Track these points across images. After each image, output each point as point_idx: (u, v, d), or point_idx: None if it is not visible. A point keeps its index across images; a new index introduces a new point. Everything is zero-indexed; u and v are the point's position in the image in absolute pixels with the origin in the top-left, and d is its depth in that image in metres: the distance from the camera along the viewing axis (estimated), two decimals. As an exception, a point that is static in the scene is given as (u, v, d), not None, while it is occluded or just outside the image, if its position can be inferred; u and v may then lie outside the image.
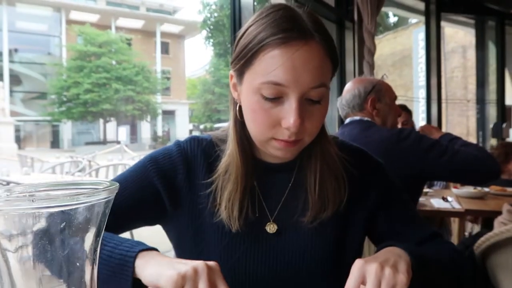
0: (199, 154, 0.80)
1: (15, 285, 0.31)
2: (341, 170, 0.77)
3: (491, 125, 5.92)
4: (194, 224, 0.79)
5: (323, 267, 0.78)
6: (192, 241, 0.80)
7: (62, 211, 0.30)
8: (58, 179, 3.37)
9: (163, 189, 0.78)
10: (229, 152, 0.75)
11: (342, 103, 1.70)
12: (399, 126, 2.57)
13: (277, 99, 0.66)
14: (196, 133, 35.27)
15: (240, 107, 0.73)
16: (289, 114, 0.65)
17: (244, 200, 0.75)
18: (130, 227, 0.84)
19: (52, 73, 27.01)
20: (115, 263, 0.63)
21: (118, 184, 0.34)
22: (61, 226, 0.31)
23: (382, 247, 0.70)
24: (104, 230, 0.56)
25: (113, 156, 8.19)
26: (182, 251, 0.83)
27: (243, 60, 0.67)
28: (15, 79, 27.53)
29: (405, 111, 2.72)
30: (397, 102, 1.79)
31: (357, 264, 0.61)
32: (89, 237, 0.32)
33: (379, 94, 1.66)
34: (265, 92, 0.65)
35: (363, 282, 0.59)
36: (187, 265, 0.58)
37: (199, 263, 0.58)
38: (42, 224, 0.31)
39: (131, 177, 0.79)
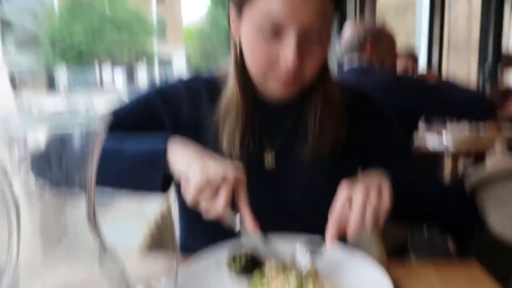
0: (203, 92, 0.81)
1: (19, 204, 0.32)
2: (342, 111, 0.78)
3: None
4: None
5: (320, 202, 0.78)
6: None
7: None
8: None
9: (169, 122, 0.79)
10: (230, 90, 0.76)
11: (341, 45, 1.70)
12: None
13: (276, 37, 0.65)
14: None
15: (240, 45, 0.72)
16: (288, 53, 0.64)
17: (244, 137, 0.76)
18: None
19: (44, 20, 26.21)
20: (144, 153, 0.67)
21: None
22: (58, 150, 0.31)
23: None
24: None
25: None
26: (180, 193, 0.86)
27: None
28: (7, 27, 26.68)
29: (412, 57, 2.69)
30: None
31: (344, 186, 0.63)
32: (85, 161, 0.33)
33: (379, 38, 1.66)
34: (264, 29, 0.64)
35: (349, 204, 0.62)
36: (217, 169, 0.61)
37: (230, 170, 0.62)
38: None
39: (136, 106, 0.81)
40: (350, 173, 0.83)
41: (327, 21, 0.66)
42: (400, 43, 1.78)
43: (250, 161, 0.76)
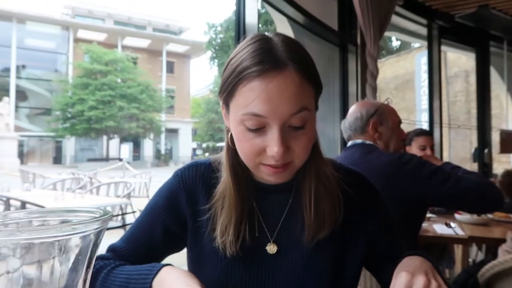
0: (197, 180, 0.82)
1: None
2: (336, 190, 0.78)
3: (494, 151, 5.94)
4: (195, 249, 0.82)
5: (322, 286, 0.78)
6: (195, 264, 0.83)
7: (52, 242, 0.30)
8: (54, 206, 3.35)
9: (173, 224, 0.82)
10: (223, 179, 0.77)
11: (345, 126, 1.69)
12: (429, 151, 2.57)
13: (260, 129, 0.67)
14: (199, 151, 35.40)
15: (231, 134, 0.74)
16: (272, 143, 0.66)
17: (240, 226, 0.76)
18: (162, 257, 0.88)
19: (58, 90, 27.36)
20: (137, 273, 0.70)
21: (111, 213, 0.33)
22: (51, 256, 0.30)
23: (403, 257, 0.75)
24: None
25: (115, 174, 8.19)
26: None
27: (226, 93, 0.69)
28: (21, 95, 27.86)
29: (431, 135, 2.71)
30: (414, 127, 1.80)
31: (403, 277, 0.63)
32: (80, 268, 0.31)
33: (382, 118, 1.65)
34: (247, 123, 0.67)
35: None
36: None
37: None
38: (33, 252, 0.30)
39: (144, 222, 0.85)
40: (355, 255, 0.83)
41: (307, 106, 0.67)
42: (403, 119, 1.78)
43: (248, 246, 0.77)
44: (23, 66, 28.33)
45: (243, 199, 0.76)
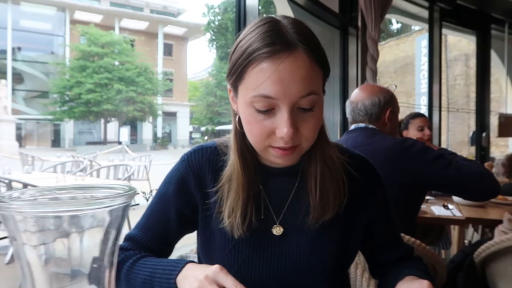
0: (204, 164, 0.83)
1: (34, 279, 0.33)
2: (341, 173, 0.80)
3: (492, 135, 5.97)
4: (206, 232, 0.84)
5: (326, 268, 0.80)
6: (204, 247, 0.85)
7: (79, 215, 0.31)
8: (79, 182, 3.37)
9: (186, 209, 0.84)
10: (231, 162, 0.78)
11: (359, 108, 1.65)
12: (427, 131, 2.58)
13: (269, 110, 0.68)
14: (195, 135, 35.38)
15: (239, 118, 0.75)
16: (281, 124, 0.67)
17: (247, 208, 0.77)
18: (174, 244, 0.91)
19: (54, 72, 27.09)
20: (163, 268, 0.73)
21: (135, 189, 0.35)
22: (82, 228, 0.32)
23: (404, 276, 0.79)
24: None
25: (114, 157, 8.20)
26: (200, 256, 0.89)
27: (235, 75, 0.70)
28: (18, 78, 27.62)
29: (426, 117, 2.71)
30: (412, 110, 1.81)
31: None
32: (109, 241, 0.33)
33: (394, 106, 1.67)
34: (257, 105, 0.67)
35: None
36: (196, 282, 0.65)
37: (201, 278, 0.65)
38: (62, 225, 0.32)
39: (157, 209, 0.87)
40: (357, 237, 0.86)
41: (317, 89, 0.69)
42: (401, 103, 1.78)
43: (255, 229, 0.79)
44: (19, 48, 28.00)
45: (250, 182, 0.78)
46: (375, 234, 0.88)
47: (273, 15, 0.73)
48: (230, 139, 0.81)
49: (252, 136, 0.72)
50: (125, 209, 0.34)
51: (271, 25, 0.68)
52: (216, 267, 0.65)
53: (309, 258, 0.80)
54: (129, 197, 0.33)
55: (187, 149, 0.92)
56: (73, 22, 28.23)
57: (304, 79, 0.66)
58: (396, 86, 1.71)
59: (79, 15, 28.94)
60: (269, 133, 0.69)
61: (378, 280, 0.94)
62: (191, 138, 34.15)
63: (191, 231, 0.89)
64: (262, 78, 0.65)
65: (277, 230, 0.80)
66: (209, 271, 0.65)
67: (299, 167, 0.81)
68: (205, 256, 0.85)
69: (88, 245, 0.33)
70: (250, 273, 0.79)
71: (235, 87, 0.72)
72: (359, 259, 1.19)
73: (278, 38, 0.66)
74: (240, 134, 0.77)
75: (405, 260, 0.90)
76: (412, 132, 2.59)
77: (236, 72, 0.69)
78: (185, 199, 0.84)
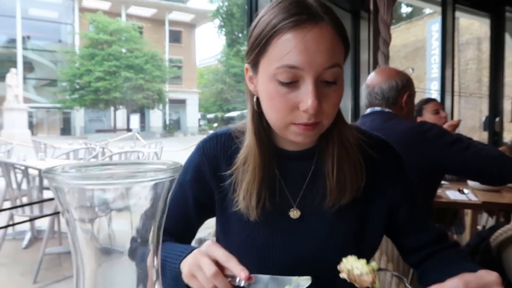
0: (219, 151, 0.84)
1: (82, 252, 0.34)
2: (358, 155, 0.78)
3: (505, 120, 5.89)
4: (223, 217, 0.85)
5: (344, 252, 0.77)
6: (222, 231, 0.86)
7: (127, 187, 0.32)
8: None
9: (203, 197, 0.85)
10: (247, 143, 0.78)
11: (375, 92, 1.63)
12: (431, 116, 2.57)
13: (293, 83, 0.67)
14: (203, 122, 35.38)
15: (257, 98, 0.75)
16: (306, 96, 0.66)
17: (262, 190, 0.77)
18: (196, 229, 0.93)
19: (62, 61, 27.20)
20: (172, 275, 0.73)
21: (181, 164, 0.36)
22: (129, 202, 0.32)
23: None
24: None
25: (124, 144, 8.27)
26: (220, 241, 0.89)
27: (258, 49, 0.69)
28: (28, 66, 27.81)
29: (435, 101, 2.70)
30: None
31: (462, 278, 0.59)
32: (156, 215, 0.34)
33: (411, 90, 1.65)
34: (280, 76, 0.66)
35: None
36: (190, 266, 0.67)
37: (193, 263, 0.66)
38: (110, 199, 0.33)
39: (175, 198, 0.88)
40: (376, 222, 0.84)
41: (339, 63, 0.68)
42: None
43: (272, 212, 0.79)
44: (28, 37, 28.11)
45: (266, 163, 0.77)
46: (400, 217, 0.85)
47: None
48: (246, 122, 0.80)
49: (275, 111, 0.70)
50: (171, 183, 0.34)
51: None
52: (208, 241, 0.67)
53: (327, 241, 0.79)
54: (175, 171, 0.34)
55: (197, 136, 0.92)
56: (81, 9, 28.21)
57: (328, 50, 0.66)
58: (413, 70, 1.69)
59: (87, 3, 28.88)
60: (293, 107, 0.68)
61: (414, 265, 0.90)
62: (199, 125, 34.24)
63: (211, 216, 0.90)
64: (288, 48, 0.65)
65: (294, 214, 0.80)
66: (202, 246, 0.67)
67: (315, 150, 0.80)
68: (224, 241, 0.86)
69: (135, 220, 0.34)
70: (268, 256, 0.79)
71: (256, 62, 0.71)
72: (381, 248, 1.19)
73: (304, 9, 0.66)
74: (257, 115, 0.77)
75: (439, 243, 0.86)
76: (427, 116, 2.57)
77: (259, 45, 0.68)
78: (201, 187, 0.85)
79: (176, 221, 0.87)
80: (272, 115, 0.72)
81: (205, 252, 0.65)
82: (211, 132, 0.90)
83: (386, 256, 1.20)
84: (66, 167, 0.35)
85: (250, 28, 0.73)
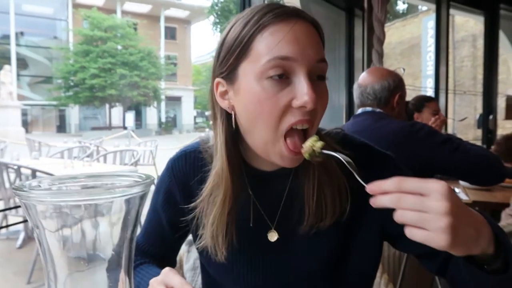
0: (188, 169, 0.79)
1: (55, 264, 0.33)
2: (342, 178, 0.69)
3: (498, 117, 5.93)
4: (199, 240, 0.78)
5: (326, 275, 0.75)
6: (203, 255, 0.81)
7: (97, 203, 0.32)
8: (64, 174, 3.40)
9: (177, 219, 0.80)
10: (217, 171, 0.70)
11: (367, 92, 1.63)
12: (430, 116, 2.56)
13: (285, 78, 0.61)
14: (199, 119, 35.26)
15: (235, 115, 0.67)
16: (301, 90, 0.60)
17: (231, 224, 0.71)
18: (178, 248, 0.91)
19: (57, 57, 27.04)
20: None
21: (153, 178, 0.35)
22: (98, 216, 0.32)
23: None
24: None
25: (119, 142, 8.26)
26: (202, 263, 0.87)
27: (236, 52, 0.63)
28: (22, 63, 27.60)
29: (435, 101, 2.68)
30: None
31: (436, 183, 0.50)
32: (128, 228, 0.34)
33: (403, 90, 1.66)
34: (271, 71, 0.60)
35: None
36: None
37: (151, 282, 0.66)
38: (81, 213, 0.33)
39: (152, 219, 0.86)
40: (364, 241, 0.76)
41: (324, 57, 0.65)
42: (407, 86, 1.78)
43: (249, 235, 0.74)
44: (22, 33, 27.88)
45: (239, 191, 0.71)
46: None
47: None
48: (215, 144, 0.71)
49: (265, 117, 0.62)
50: (142, 197, 0.34)
51: (268, 3, 0.66)
52: (165, 269, 0.66)
53: (307, 264, 0.75)
54: (146, 186, 0.34)
55: (192, 134, 0.88)
56: (76, 6, 27.99)
57: (317, 44, 0.64)
58: (404, 70, 1.69)
59: (81, -1, 28.69)
60: (285, 107, 0.61)
61: (438, 273, 0.74)
62: (195, 122, 34.16)
63: (188, 236, 0.88)
64: (277, 39, 0.60)
65: (272, 236, 0.75)
66: (160, 274, 0.66)
67: (291, 170, 0.72)
68: (205, 263, 0.83)
69: (106, 232, 0.34)
70: (250, 282, 0.76)
71: (233, 68, 0.64)
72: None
73: (281, 6, 0.63)
74: (231, 137, 0.69)
75: None
76: (426, 116, 2.58)
77: (238, 48, 0.63)
78: (174, 209, 0.81)
79: (154, 241, 0.86)
80: (258, 127, 0.64)
81: (162, 281, 0.64)
82: (207, 130, 0.86)
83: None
84: (42, 182, 0.35)
85: (218, 42, 0.68)
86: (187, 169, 0.79)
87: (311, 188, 0.70)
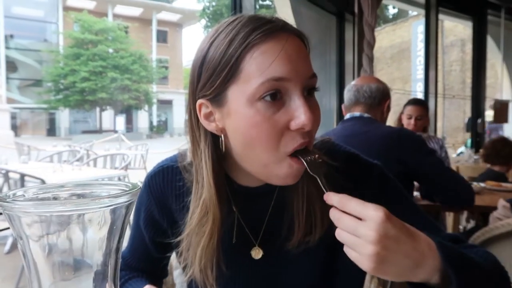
0: (166, 186, 0.76)
1: (39, 272, 0.33)
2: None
3: (487, 120, 6.02)
4: (181, 258, 0.76)
5: None
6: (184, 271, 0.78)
7: (82, 214, 0.32)
8: (53, 178, 3.36)
9: (159, 236, 0.79)
10: (204, 200, 0.65)
11: (364, 89, 1.66)
12: (412, 120, 2.60)
13: (278, 99, 0.57)
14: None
15: (225, 137, 0.63)
16: (298, 111, 0.57)
17: (217, 253, 0.68)
18: (166, 261, 0.88)
19: (47, 60, 26.77)
20: None
21: (139, 186, 0.35)
22: (83, 225, 0.32)
23: None
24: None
25: (110, 145, 8.18)
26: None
27: (224, 73, 0.58)
28: (11, 66, 27.29)
29: (421, 105, 2.70)
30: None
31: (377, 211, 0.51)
32: (114, 238, 0.34)
33: (390, 100, 1.73)
34: (265, 94, 0.57)
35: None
36: None
37: None
38: (65, 223, 0.32)
39: (135, 236, 0.84)
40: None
41: (314, 72, 0.62)
42: (397, 90, 1.86)
43: (233, 253, 0.72)
44: (11, 36, 27.59)
45: (224, 216, 0.67)
46: None
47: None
48: (196, 169, 0.67)
49: (263, 142, 0.58)
50: (128, 207, 0.34)
51: (250, 15, 0.61)
52: (146, 286, 0.67)
53: (293, 280, 0.74)
54: (133, 195, 0.34)
55: (183, 137, 0.85)
56: (66, 8, 27.82)
57: (307, 58, 0.61)
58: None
59: (72, 1, 28.49)
60: (282, 129, 0.58)
61: None
62: (186, 126, 33.96)
63: (173, 251, 0.83)
64: (269, 59, 0.56)
65: (256, 253, 0.73)
66: None
67: (276, 188, 0.71)
68: (191, 283, 0.80)
69: (92, 242, 0.34)
70: None
71: (221, 92, 0.59)
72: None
73: (268, 20, 0.59)
74: (217, 161, 0.65)
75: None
76: (404, 118, 2.63)
77: (225, 69, 0.58)
78: (155, 227, 0.79)
79: (140, 257, 0.85)
80: (256, 151, 0.60)
81: None
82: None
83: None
84: (27, 191, 0.35)
85: (195, 61, 0.63)
86: (164, 186, 0.76)
87: (301, 202, 0.68)
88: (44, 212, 0.30)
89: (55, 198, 0.35)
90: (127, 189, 0.34)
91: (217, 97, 0.60)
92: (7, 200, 0.31)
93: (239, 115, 0.59)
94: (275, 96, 0.57)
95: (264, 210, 0.72)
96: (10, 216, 0.30)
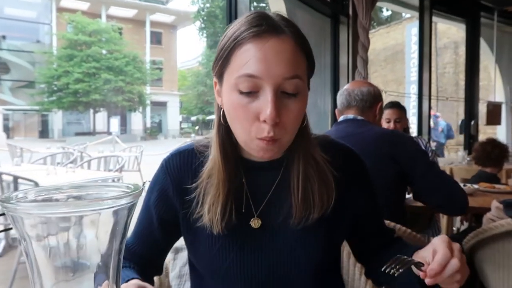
0: (182, 166, 0.82)
1: (41, 273, 0.33)
2: (328, 174, 0.77)
3: (480, 122, 6.07)
4: (189, 232, 0.83)
5: (311, 266, 0.79)
6: (191, 250, 0.85)
7: (85, 215, 0.32)
8: (47, 181, 3.34)
9: (169, 216, 0.84)
10: (212, 157, 0.77)
11: (355, 93, 1.70)
12: (392, 124, 2.61)
13: (253, 93, 0.67)
14: (185, 125, 35.07)
15: (223, 111, 0.75)
16: (265, 106, 0.66)
17: (227, 204, 0.76)
18: (166, 251, 0.93)
19: (40, 62, 26.56)
20: None
21: (142, 188, 0.36)
22: (85, 227, 0.32)
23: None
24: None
25: (104, 147, 8.15)
26: (191, 259, 0.89)
27: (221, 61, 0.70)
28: (3, 67, 27.06)
29: (399, 108, 2.71)
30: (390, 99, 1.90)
31: (444, 240, 0.67)
32: (116, 239, 0.34)
33: (382, 103, 1.75)
34: (241, 86, 0.67)
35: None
36: None
37: None
38: (68, 224, 0.33)
39: (143, 218, 0.88)
40: (342, 235, 0.86)
41: (300, 75, 0.68)
42: (392, 92, 1.90)
43: (235, 221, 0.77)
44: (4, 37, 27.36)
45: (231, 177, 0.76)
46: (363, 224, 0.88)
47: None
48: (210, 137, 0.80)
49: (238, 122, 0.70)
50: (130, 208, 0.34)
51: (259, 13, 0.71)
52: (133, 281, 0.69)
53: (292, 255, 0.78)
54: (135, 197, 0.34)
55: (178, 139, 0.90)
56: (60, 9, 27.62)
57: (289, 61, 0.67)
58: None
59: (65, 2, 28.31)
60: (254, 118, 0.68)
61: (365, 264, 0.93)
62: (181, 128, 33.97)
63: (177, 237, 0.89)
64: (247, 57, 0.66)
65: (255, 223, 0.79)
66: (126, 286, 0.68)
67: (283, 160, 0.79)
68: (194, 258, 0.85)
69: (94, 243, 0.34)
70: (240, 275, 0.79)
71: (221, 74, 0.72)
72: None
73: (264, 21, 0.68)
74: (223, 128, 0.76)
75: (391, 243, 0.90)
76: (384, 123, 2.62)
77: (223, 57, 0.70)
78: (166, 206, 0.83)
79: (144, 242, 0.87)
80: (236, 127, 0.72)
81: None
82: (193, 136, 0.89)
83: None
84: (28, 193, 0.35)
85: (220, 41, 0.74)
86: (181, 166, 0.83)
87: (296, 180, 0.76)
88: (47, 214, 0.30)
89: (57, 200, 0.35)
90: (129, 190, 0.34)
91: (219, 78, 0.74)
92: (11, 201, 0.31)
93: (225, 96, 0.72)
94: (249, 92, 0.67)
95: (269, 185, 0.80)
96: (14, 218, 0.31)
